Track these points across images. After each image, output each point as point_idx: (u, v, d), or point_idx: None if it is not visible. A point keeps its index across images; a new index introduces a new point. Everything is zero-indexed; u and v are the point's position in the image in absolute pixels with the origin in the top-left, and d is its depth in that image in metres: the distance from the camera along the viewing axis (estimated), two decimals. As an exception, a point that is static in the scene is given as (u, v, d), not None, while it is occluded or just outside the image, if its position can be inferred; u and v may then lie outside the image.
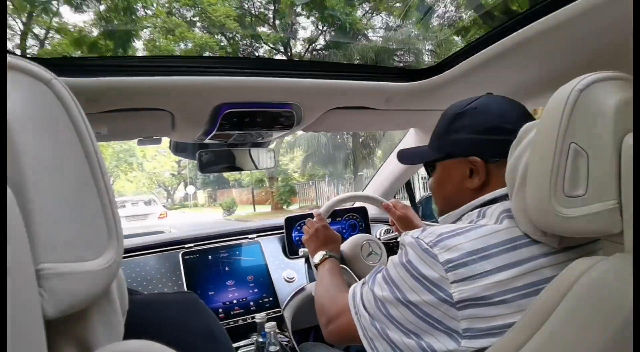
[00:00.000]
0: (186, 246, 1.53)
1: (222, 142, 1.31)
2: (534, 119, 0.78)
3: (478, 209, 0.74)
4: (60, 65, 0.87)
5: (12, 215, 0.28)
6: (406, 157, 0.98)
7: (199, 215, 19.68)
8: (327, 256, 1.13)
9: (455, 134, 0.81)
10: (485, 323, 0.60)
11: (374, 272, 0.78)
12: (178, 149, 1.38)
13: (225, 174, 19.85)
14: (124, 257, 1.40)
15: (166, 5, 10.74)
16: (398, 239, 1.59)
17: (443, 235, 0.66)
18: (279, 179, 17.64)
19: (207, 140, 1.25)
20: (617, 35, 0.80)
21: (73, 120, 0.34)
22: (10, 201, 0.28)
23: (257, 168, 1.44)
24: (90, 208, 0.34)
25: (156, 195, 19.21)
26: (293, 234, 1.69)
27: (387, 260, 1.44)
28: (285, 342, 1.37)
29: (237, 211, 18.23)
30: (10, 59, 0.32)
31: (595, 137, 0.56)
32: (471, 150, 0.78)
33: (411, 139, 1.73)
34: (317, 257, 1.14)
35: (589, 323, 0.50)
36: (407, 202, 2.04)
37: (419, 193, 2.14)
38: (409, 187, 2.04)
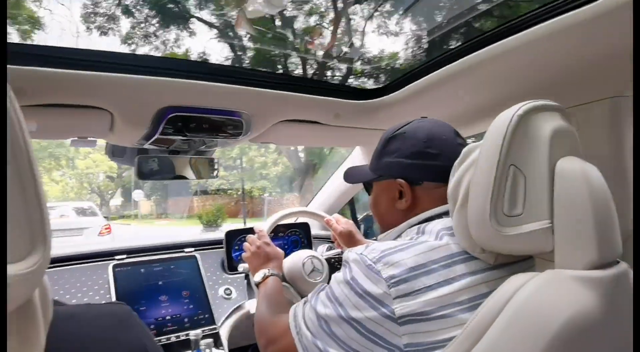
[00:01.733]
0: (117, 257, 1.43)
1: (163, 148, 1.25)
2: (465, 142, 0.83)
3: (417, 226, 0.77)
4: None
5: None
6: (349, 175, 1.00)
7: (156, 230, 14.76)
8: (269, 274, 1.10)
9: (387, 157, 0.85)
10: (426, 338, 0.61)
11: (317, 290, 0.77)
12: (115, 153, 1.30)
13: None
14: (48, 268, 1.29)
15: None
16: (340, 256, 1.60)
17: (386, 251, 0.67)
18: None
19: (147, 145, 1.18)
20: (554, 67, 0.87)
21: None
22: None
23: (198, 177, 1.38)
24: (12, 204, 0.31)
25: (90, 202, 14.72)
26: (233, 249, 1.64)
27: (330, 277, 1.43)
28: None
29: (223, 226, 12.91)
30: None
31: (532, 160, 0.60)
32: (399, 173, 0.82)
33: (357, 157, 1.76)
34: (258, 276, 1.11)
35: (524, 336, 0.53)
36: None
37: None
38: (352, 205, 2.07)
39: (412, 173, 0.81)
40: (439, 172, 0.78)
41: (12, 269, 0.30)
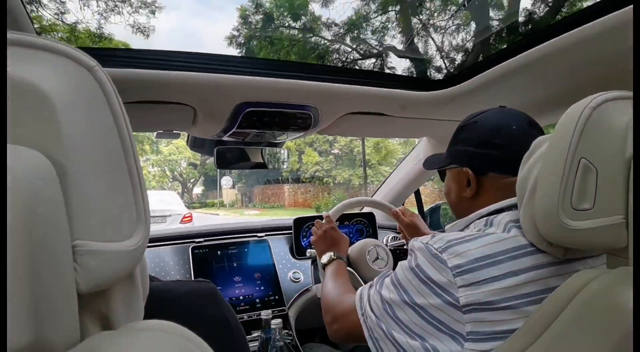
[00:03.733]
0: (196, 240, 1.56)
1: (239, 140, 1.34)
2: (540, 131, 0.81)
3: (485, 218, 0.76)
4: (92, 55, 0.90)
5: (53, 191, 0.30)
6: (427, 161, 1.02)
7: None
8: (335, 257, 1.15)
9: (457, 145, 0.87)
10: (489, 327, 0.61)
11: (382, 276, 0.80)
12: (195, 144, 1.42)
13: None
14: None
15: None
16: (405, 247, 1.61)
17: (452, 241, 0.68)
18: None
19: (225, 138, 1.27)
20: (630, 57, 0.82)
21: (111, 106, 0.35)
22: (52, 178, 0.30)
23: (271, 167, 1.47)
24: (123, 191, 0.36)
25: (172, 191, 14.34)
26: (301, 236, 1.72)
27: (393, 266, 1.46)
28: (289, 341, 1.38)
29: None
30: (56, 45, 0.34)
31: (605, 153, 0.58)
32: (465, 161, 0.84)
33: (424, 147, 1.75)
34: (325, 258, 1.17)
35: (589, 333, 0.51)
36: (415, 211, 2.06)
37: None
38: (418, 196, 2.06)
39: (477, 162, 0.81)
40: (504, 162, 0.78)
41: (122, 246, 0.35)
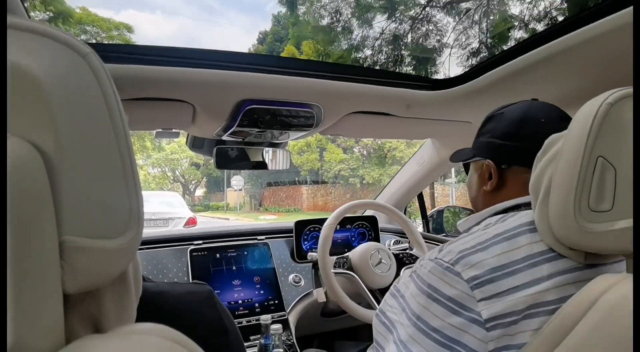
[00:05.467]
0: (195, 242, 1.53)
1: (239, 140, 1.31)
2: None
3: (500, 215, 0.72)
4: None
5: (39, 184, 0.28)
6: (453, 154, 0.97)
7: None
8: None
9: (482, 137, 0.83)
10: (512, 341, 0.57)
11: (382, 325, 0.70)
12: (195, 144, 1.39)
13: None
14: None
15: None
16: (407, 251, 1.58)
17: (464, 252, 0.63)
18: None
19: (225, 137, 1.25)
20: None
21: (105, 95, 0.34)
22: (38, 169, 0.28)
23: (272, 167, 1.44)
24: (115, 185, 0.34)
25: (174, 192, 13.39)
26: (302, 239, 1.68)
27: (396, 271, 1.43)
28: (289, 345, 1.35)
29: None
30: (48, 28, 0.32)
31: (624, 152, 0.55)
32: (488, 153, 0.80)
33: (428, 149, 1.72)
34: None
35: (610, 343, 0.48)
36: (418, 215, 2.03)
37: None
38: (421, 200, 2.03)
39: (501, 154, 0.78)
40: (528, 155, 0.70)
41: (113, 243, 0.33)
